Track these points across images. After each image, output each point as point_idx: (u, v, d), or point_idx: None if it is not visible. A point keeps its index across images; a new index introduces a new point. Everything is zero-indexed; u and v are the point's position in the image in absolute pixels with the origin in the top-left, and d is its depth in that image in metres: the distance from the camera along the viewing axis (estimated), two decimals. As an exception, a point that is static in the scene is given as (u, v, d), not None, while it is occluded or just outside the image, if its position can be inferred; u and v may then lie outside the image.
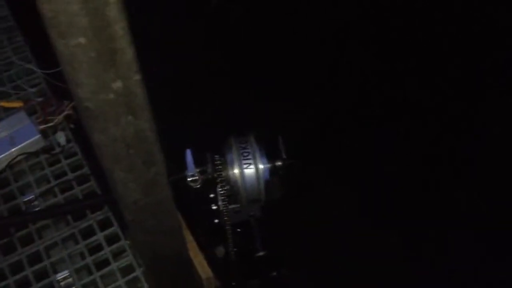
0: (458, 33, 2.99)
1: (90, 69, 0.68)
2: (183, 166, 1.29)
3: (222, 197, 1.36)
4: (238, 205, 1.41)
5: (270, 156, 1.33)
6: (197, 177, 1.28)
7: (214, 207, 1.44)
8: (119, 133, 0.82)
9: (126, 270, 1.35)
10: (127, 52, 0.69)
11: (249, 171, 1.28)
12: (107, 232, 1.41)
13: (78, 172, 1.51)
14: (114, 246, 1.39)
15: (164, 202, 1.06)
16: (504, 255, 2.37)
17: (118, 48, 0.67)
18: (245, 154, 1.29)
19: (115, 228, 1.41)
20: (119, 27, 0.65)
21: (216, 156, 1.31)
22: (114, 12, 0.63)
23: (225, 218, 1.42)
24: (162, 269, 1.29)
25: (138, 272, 1.35)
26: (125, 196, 1.00)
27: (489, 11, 2.98)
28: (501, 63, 2.83)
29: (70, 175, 1.52)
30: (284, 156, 1.30)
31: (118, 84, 0.72)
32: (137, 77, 0.73)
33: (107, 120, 0.79)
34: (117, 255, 1.39)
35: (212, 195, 1.43)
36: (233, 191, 1.31)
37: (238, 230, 1.59)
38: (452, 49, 2.96)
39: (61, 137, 1.64)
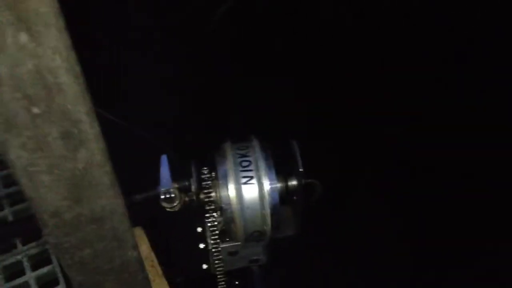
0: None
1: None
2: (156, 180, 0.90)
3: (211, 231, 0.95)
4: (235, 243, 0.99)
5: (280, 172, 0.93)
6: (174, 196, 0.88)
7: (202, 246, 1.03)
8: None
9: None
10: None
11: (250, 188, 0.88)
12: (40, 272, 0.99)
13: (12, 189, 1.11)
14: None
15: (113, 222, 0.66)
16: None
17: None
18: (245, 165, 0.90)
19: (52, 267, 1.00)
20: None
21: (204, 168, 0.92)
22: None
23: (216, 263, 1.00)
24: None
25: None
26: (43, 201, 0.62)
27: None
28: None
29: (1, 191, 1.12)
30: (302, 172, 0.90)
31: None
32: None
33: None
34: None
35: (198, 228, 1.03)
36: (227, 219, 0.90)
37: (236, 282, 1.16)
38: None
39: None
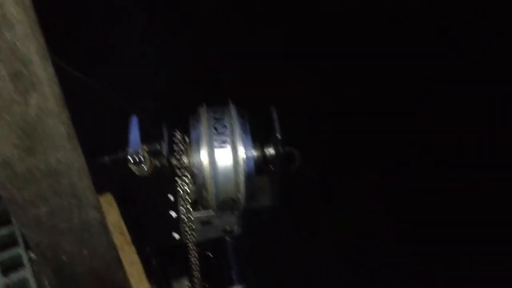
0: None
1: None
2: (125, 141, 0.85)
3: (183, 198, 0.91)
4: (207, 213, 0.96)
5: (257, 139, 0.89)
6: (143, 159, 0.84)
7: (173, 215, 0.99)
8: None
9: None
10: None
11: (223, 153, 0.84)
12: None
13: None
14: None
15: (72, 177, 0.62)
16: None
17: None
18: (220, 129, 0.85)
19: (11, 228, 0.95)
20: None
21: (176, 131, 0.87)
22: None
23: (188, 232, 0.96)
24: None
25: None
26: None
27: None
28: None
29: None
30: (280, 139, 0.86)
31: None
32: None
33: None
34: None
35: (170, 196, 0.99)
36: (199, 186, 0.86)
37: (208, 253, 1.13)
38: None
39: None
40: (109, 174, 0.98)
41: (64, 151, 0.60)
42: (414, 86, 2.60)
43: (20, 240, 0.93)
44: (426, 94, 2.58)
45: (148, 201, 1.08)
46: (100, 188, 0.78)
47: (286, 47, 2.71)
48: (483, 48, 2.68)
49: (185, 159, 0.86)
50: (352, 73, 2.63)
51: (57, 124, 0.57)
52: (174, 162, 0.87)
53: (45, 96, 0.53)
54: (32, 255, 0.92)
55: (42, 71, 0.51)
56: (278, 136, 0.85)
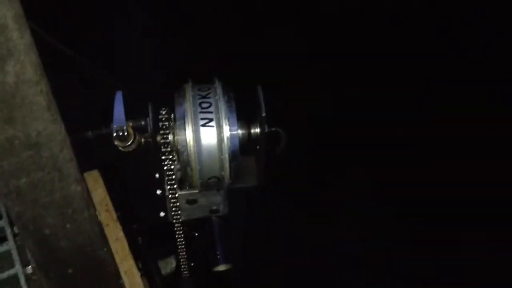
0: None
1: None
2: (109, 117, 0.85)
3: (168, 175, 0.91)
4: (193, 191, 0.96)
5: (243, 119, 0.89)
6: (127, 135, 0.83)
7: (159, 192, 0.99)
8: None
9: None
10: None
11: (208, 130, 0.84)
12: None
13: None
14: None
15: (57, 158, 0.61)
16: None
17: None
18: (205, 106, 0.85)
19: None
20: None
21: (162, 108, 0.87)
22: None
23: (174, 211, 0.97)
24: (62, 276, 0.83)
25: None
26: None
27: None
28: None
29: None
30: (265, 118, 0.86)
31: None
32: None
33: None
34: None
35: (156, 174, 0.99)
36: (183, 163, 0.86)
37: (195, 233, 1.13)
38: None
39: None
40: (96, 151, 0.98)
41: (44, 122, 0.60)
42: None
43: (3, 213, 0.93)
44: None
45: (135, 179, 1.08)
46: (87, 165, 0.78)
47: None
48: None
49: (170, 136, 0.86)
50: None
51: (36, 93, 0.57)
52: (159, 138, 0.86)
53: (23, 64, 0.53)
54: (16, 229, 0.92)
55: (19, 38, 0.51)
56: (264, 114, 0.85)
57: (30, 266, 0.89)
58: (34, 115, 0.58)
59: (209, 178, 0.87)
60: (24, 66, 0.53)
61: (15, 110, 0.57)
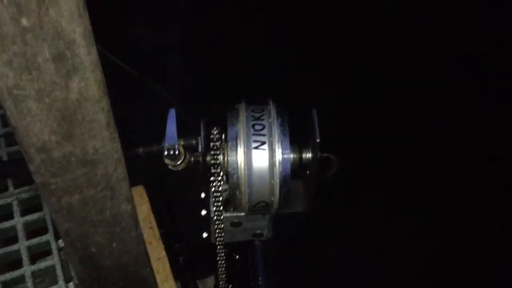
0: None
1: None
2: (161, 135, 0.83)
3: (215, 197, 0.88)
4: (238, 214, 0.93)
5: (295, 142, 0.86)
6: (178, 153, 0.82)
7: (204, 213, 0.97)
8: None
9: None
10: None
11: (260, 154, 0.81)
12: (29, 218, 0.94)
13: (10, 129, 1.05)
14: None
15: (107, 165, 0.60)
16: None
17: None
18: (258, 128, 0.83)
19: (42, 214, 0.94)
20: None
21: (214, 127, 0.85)
22: None
23: (217, 232, 0.94)
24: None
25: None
26: (29, 132, 0.56)
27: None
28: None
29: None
30: (318, 143, 0.83)
31: None
32: None
33: None
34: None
35: (202, 194, 0.97)
36: (232, 186, 0.84)
37: (236, 256, 1.10)
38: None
39: None
40: (142, 166, 0.96)
41: (102, 140, 0.58)
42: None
43: (50, 227, 0.92)
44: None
45: (180, 197, 1.06)
46: (133, 179, 0.76)
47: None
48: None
49: (220, 157, 0.84)
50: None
51: (97, 110, 0.55)
52: (209, 159, 0.84)
53: (87, 81, 0.52)
54: (61, 243, 0.91)
55: (86, 54, 0.50)
56: (318, 140, 0.82)
57: (72, 282, 0.88)
58: (93, 132, 0.57)
59: (257, 203, 0.84)
60: (89, 83, 0.52)
61: (75, 127, 0.55)
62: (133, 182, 0.96)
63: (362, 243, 1.99)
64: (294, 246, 1.75)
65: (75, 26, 0.47)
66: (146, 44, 2.45)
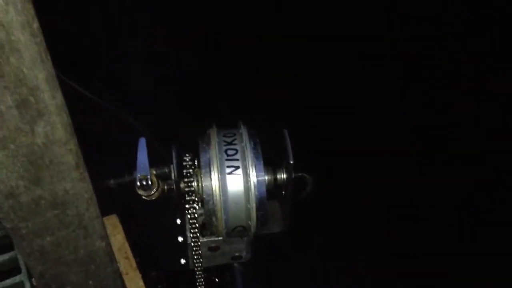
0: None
1: None
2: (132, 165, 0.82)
3: (191, 223, 0.87)
4: (216, 238, 0.92)
5: (269, 163, 0.86)
6: (151, 183, 0.81)
7: (180, 240, 0.96)
8: None
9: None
10: None
11: (235, 179, 0.81)
12: (1, 259, 0.91)
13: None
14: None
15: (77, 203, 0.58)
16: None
17: None
18: (231, 153, 0.82)
19: (14, 254, 0.91)
20: None
21: (186, 154, 0.84)
22: None
23: (196, 258, 0.93)
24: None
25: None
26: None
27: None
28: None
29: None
30: (292, 164, 0.82)
31: None
32: None
33: None
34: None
35: (178, 220, 0.96)
36: (208, 212, 0.83)
37: (215, 278, 1.09)
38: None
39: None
40: (114, 196, 0.95)
41: (71, 181, 0.57)
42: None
43: (22, 267, 0.89)
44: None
45: (155, 225, 1.05)
46: (105, 209, 0.75)
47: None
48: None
49: (194, 184, 0.83)
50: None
51: (64, 153, 0.54)
52: (183, 186, 0.83)
53: (53, 124, 0.50)
54: (34, 282, 0.88)
55: (51, 98, 0.49)
56: (291, 161, 0.82)
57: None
58: (62, 175, 0.56)
59: (234, 227, 0.84)
60: (55, 127, 0.51)
61: (43, 170, 0.54)
62: (105, 212, 0.94)
63: (337, 250, 1.99)
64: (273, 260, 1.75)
65: (37, 72, 0.46)
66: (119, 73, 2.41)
